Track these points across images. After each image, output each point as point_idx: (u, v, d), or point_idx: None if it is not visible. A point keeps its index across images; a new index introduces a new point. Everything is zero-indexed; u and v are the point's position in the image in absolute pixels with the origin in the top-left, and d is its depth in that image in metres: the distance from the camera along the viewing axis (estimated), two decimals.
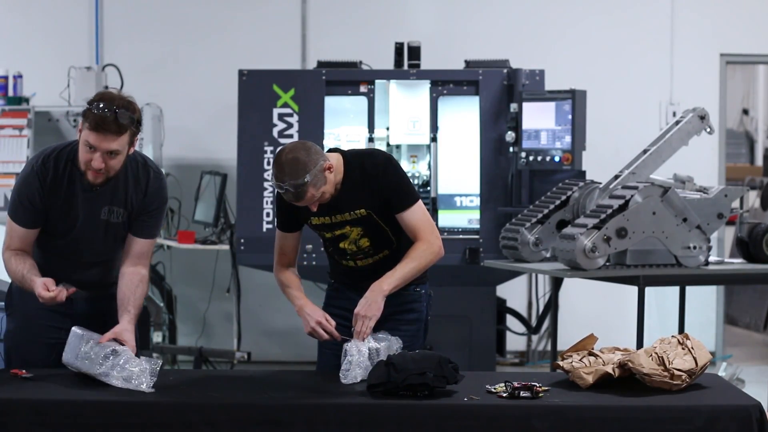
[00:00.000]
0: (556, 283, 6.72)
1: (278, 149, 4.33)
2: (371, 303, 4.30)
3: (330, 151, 4.43)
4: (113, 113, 4.18)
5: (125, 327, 4.28)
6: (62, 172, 4.35)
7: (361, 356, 4.19)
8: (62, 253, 4.44)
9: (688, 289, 6.76)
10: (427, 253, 4.38)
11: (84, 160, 4.29)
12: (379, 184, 4.36)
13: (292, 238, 4.54)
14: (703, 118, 6.46)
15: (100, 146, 4.24)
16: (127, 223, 4.44)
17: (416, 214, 4.38)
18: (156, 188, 4.46)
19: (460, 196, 7.68)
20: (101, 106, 4.19)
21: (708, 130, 6.48)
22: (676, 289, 6.71)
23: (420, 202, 4.42)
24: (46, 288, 4.24)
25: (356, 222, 4.41)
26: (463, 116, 7.65)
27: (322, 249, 4.64)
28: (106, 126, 4.20)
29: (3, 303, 4.60)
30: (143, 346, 4.26)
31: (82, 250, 4.44)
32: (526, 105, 7.39)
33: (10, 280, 4.50)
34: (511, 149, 7.48)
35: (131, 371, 4.05)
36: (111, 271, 4.52)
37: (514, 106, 7.44)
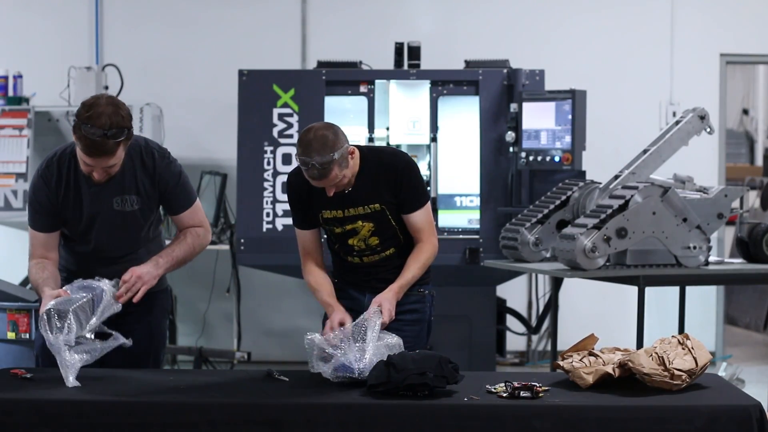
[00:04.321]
0: (556, 283, 6.72)
1: (304, 128, 4.33)
2: (385, 298, 4.40)
3: None
4: (103, 137, 4.13)
5: (144, 265, 4.34)
6: (66, 172, 4.37)
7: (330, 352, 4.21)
8: (86, 252, 4.46)
9: (688, 289, 6.76)
10: (430, 254, 4.54)
11: (84, 171, 4.32)
12: (399, 182, 4.43)
13: (311, 234, 4.57)
14: (703, 118, 6.46)
15: (97, 165, 4.24)
16: (145, 210, 4.44)
17: (423, 216, 4.51)
18: (164, 167, 4.45)
19: (460, 196, 7.68)
20: (90, 129, 4.12)
21: (708, 130, 6.48)
22: (676, 289, 6.71)
23: (428, 203, 4.55)
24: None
25: (369, 217, 4.45)
26: (463, 116, 7.65)
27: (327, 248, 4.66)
28: (97, 151, 4.18)
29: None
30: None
31: (103, 245, 4.45)
32: (526, 105, 7.38)
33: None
34: (511, 149, 7.48)
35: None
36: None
37: (514, 106, 7.43)
